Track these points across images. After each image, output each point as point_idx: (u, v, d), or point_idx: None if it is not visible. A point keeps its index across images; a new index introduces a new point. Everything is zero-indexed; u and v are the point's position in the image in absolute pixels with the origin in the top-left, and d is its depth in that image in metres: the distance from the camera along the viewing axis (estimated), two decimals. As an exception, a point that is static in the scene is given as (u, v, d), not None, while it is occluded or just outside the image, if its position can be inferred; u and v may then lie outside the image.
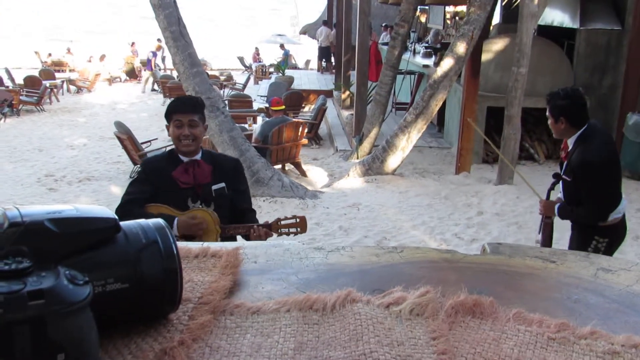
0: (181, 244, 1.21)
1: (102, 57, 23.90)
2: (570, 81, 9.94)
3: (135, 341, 0.87)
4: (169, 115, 3.13)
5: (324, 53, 22.16)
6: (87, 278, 0.76)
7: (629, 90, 8.99)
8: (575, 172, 3.52)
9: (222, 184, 3.16)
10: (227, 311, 0.97)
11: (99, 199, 8.49)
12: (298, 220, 3.12)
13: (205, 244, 1.21)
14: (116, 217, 0.87)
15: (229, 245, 1.20)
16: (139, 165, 3.17)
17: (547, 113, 3.61)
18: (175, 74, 15.55)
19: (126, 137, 9.52)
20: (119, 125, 9.70)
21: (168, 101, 15.37)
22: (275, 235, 3.11)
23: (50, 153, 12.15)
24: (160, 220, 0.94)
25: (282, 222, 3.11)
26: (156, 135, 12.29)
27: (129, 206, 2.95)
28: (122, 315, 0.89)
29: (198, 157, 3.15)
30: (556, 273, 1.12)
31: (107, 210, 0.88)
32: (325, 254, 1.20)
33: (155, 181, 3.07)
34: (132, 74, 24.54)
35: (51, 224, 0.79)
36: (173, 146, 3.21)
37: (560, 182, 3.72)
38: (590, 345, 0.87)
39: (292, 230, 3.11)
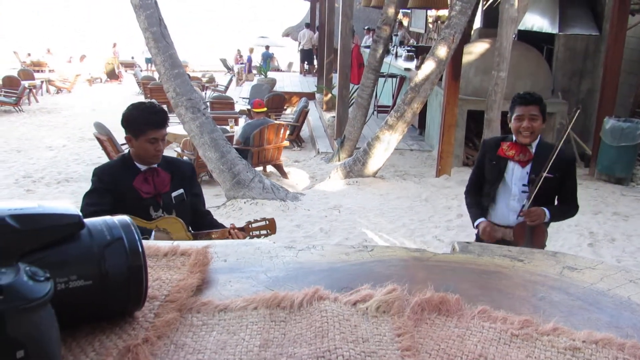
0: (151, 243, 1.21)
1: (82, 58, 23.70)
2: (549, 85, 10.05)
3: (99, 339, 0.87)
4: (139, 128, 2.92)
5: (306, 55, 22.17)
6: (49, 274, 0.76)
7: (606, 95, 9.10)
8: (564, 168, 3.48)
9: (181, 190, 3.12)
10: (194, 309, 0.97)
11: (78, 201, 8.37)
12: (267, 222, 3.18)
13: (176, 243, 1.21)
14: (80, 213, 0.86)
15: (198, 243, 1.20)
16: (93, 175, 3.03)
17: (537, 112, 3.45)
18: (157, 75, 15.44)
19: (106, 138, 9.44)
20: (99, 126, 9.62)
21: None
22: (247, 238, 3.12)
23: (29, 154, 12.01)
24: (125, 217, 0.94)
25: (253, 225, 3.15)
26: (137, 137, 12.18)
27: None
28: (86, 312, 0.88)
29: (155, 164, 3.07)
30: (523, 271, 1.14)
31: (70, 206, 0.87)
32: (296, 252, 1.20)
33: (115, 191, 2.94)
34: (113, 75, 24.36)
35: (12, 220, 0.78)
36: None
37: (526, 189, 3.55)
38: (552, 342, 0.88)
39: (263, 232, 3.14)
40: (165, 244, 1.21)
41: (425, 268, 1.16)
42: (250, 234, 3.10)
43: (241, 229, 3.10)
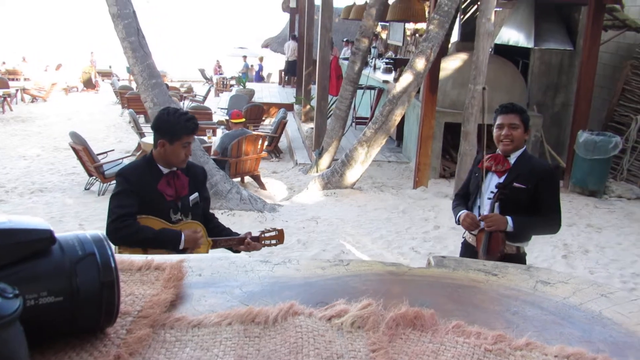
0: (123, 257, 1.20)
1: (59, 66, 23.45)
2: (524, 99, 10.19)
3: (69, 356, 0.86)
4: (176, 134, 3.01)
5: (291, 67, 22.15)
6: (18, 291, 0.74)
7: (580, 108, 9.25)
8: (539, 179, 3.45)
9: (196, 194, 3.21)
10: (167, 325, 0.96)
11: (52, 211, 8.28)
12: (277, 232, 3.29)
13: (150, 257, 1.20)
14: (51, 228, 0.85)
15: (173, 257, 1.19)
16: (119, 176, 3.07)
17: (517, 121, 3.48)
18: (134, 84, 15.33)
19: (81, 148, 9.33)
20: (74, 135, 9.50)
21: (126, 112, 15.17)
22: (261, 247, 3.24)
23: (2, 163, 11.80)
24: (98, 233, 0.93)
25: (266, 235, 3.23)
26: (113, 147, 12.08)
27: (127, 219, 2.87)
28: (56, 329, 0.87)
29: (175, 167, 3.15)
30: (497, 285, 1.14)
31: (42, 221, 0.86)
32: (272, 266, 1.20)
33: (141, 193, 3.00)
34: (90, 84, 24.13)
35: (-19, 236, 0.77)
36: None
37: (492, 196, 3.55)
38: (525, 357, 0.89)
39: (273, 242, 3.26)
40: (138, 258, 1.20)
41: (400, 282, 1.17)
42: (263, 243, 3.22)
43: (255, 239, 3.20)
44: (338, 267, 1.22)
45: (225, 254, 1.41)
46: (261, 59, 25.05)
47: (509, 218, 3.45)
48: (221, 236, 3.23)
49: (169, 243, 2.86)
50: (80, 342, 0.89)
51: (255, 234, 3.24)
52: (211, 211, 3.47)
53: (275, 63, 25.77)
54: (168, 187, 3.06)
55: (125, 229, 2.83)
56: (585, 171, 8.83)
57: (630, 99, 9.68)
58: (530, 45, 10.41)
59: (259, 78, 24.76)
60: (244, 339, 0.93)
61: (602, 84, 10.36)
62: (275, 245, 3.27)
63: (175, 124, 3.03)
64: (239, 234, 3.28)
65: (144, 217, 2.94)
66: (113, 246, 2.83)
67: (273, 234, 3.26)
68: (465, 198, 3.85)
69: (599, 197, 8.85)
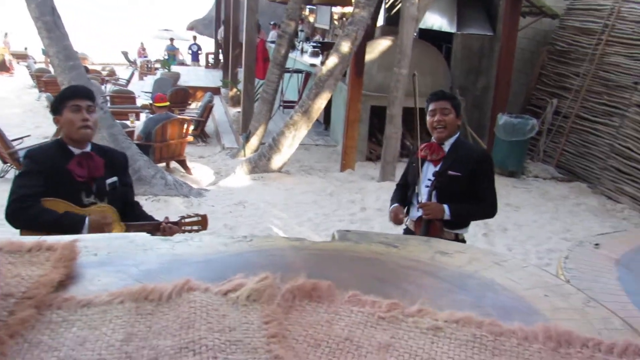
0: (14, 239, 1.14)
1: (-29, 48, 22.19)
2: (448, 82, 10.44)
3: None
4: (62, 102, 2.94)
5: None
6: None
7: (500, 92, 9.57)
8: (474, 166, 3.48)
9: (115, 178, 3.08)
10: (54, 305, 0.92)
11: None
12: (200, 218, 3.17)
13: (42, 238, 1.15)
14: None
15: (65, 238, 1.15)
16: (26, 157, 2.91)
17: (448, 106, 3.52)
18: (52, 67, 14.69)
19: (-6, 134, 8.88)
20: (-13, 120, 9.03)
21: (44, 96, 14.53)
22: (179, 233, 3.09)
23: None
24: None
25: (187, 220, 3.12)
26: (29, 132, 11.54)
27: (28, 200, 2.72)
28: None
29: (88, 149, 3.02)
30: (397, 257, 1.17)
31: None
32: (172, 244, 1.17)
33: (48, 174, 2.85)
34: (3, 67, 22.93)
35: None
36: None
37: (429, 184, 3.59)
38: (417, 322, 0.91)
39: (195, 228, 3.13)
40: (30, 239, 1.15)
41: (303, 256, 1.17)
42: (183, 229, 3.09)
43: (175, 223, 3.09)
44: (241, 243, 1.21)
45: (125, 233, 1.37)
46: (195, 38, 24.46)
47: (445, 206, 3.48)
48: None
49: (71, 227, 2.72)
50: (-46, 325, 0.84)
51: (175, 219, 3.16)
52: (137, 199, 3.35)
53: (202, 46, 25.24)
54: (79, 168, 2.92)
55: (24, 210, 2.69)
56: (504, 152, 9.15)
57: (546, 83, 10.08)
58: (453, 30, 10.65)
59: (196, 58, 24.17)
60: (135, 317, 0.91)
61: (521, 69, 10.74)
62: (197, 231, 3.13)
63: (58, 95, 3.02)
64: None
65: (50, 200, 2.80)
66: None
67: (195, 219, 3.15)
68: (404, 188, 3.87)
69: (517, 177, 9.20)
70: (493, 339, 0.89)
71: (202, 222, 3.17)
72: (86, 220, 2.77)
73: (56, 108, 2.99)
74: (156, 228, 3.05)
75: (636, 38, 8.45)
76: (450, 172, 3.50)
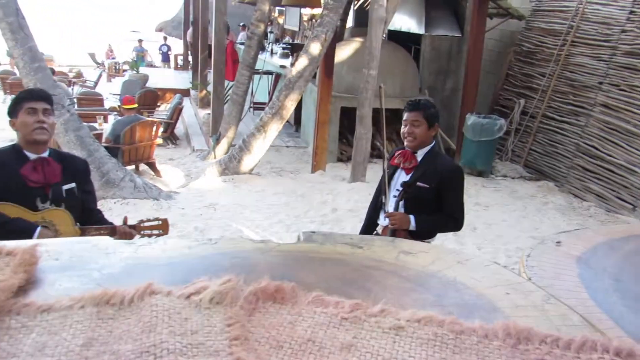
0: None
1: None
2: (417, 83, 10.53)
3: None
4: (18, 104, 2.89)
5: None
6: None
7: (468, 93, 9.67)
8: (442, 179, 3.46)
9: (73, 184, 3.01)
10: (13, 311, 0.91)
11: None
12: (160, 222, 3.11)
13: (1, 243, 1.13)
14: None
15: (26, 242, 1.13)
16: None
17: (419, 118, 3.48)
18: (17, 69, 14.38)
19: (-43, 138, 8.68)
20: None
21: (9, 98, 14.24)
22: (138, 236, 3.02)
23: None
24: None
25: (145, 224, 3.05)
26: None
27: None
28: None
29: (46, 154, 2.95)
30: (362, 257, 1.18)
31: None
32: (136, 248, 1.17)
33: (2, 178, 2.80)
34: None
35: None
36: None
37: (398, 194, 3.57)
38: (379, 322, 0.92)
39: (155, 232, 3.07)
40: (-11, 245, 1.13)
41: (267, 258, 1.17)
42: (141, 232, 3.03)
43: (132, 227, 3.02)
44: (206, 245, 1.21)
45: (87, 237, 1.36)
46: (165, 39, 24.21)
47: (412, 217, 3.49)
48: None
49: (19, 234, 2.66)
50: None
51: (134, 222, 3.10)
52: (107, 202, 3.29)
53: (171, 47, 25.00)
54: (34, 173, 2.87)
55: None
56: (473, 152, 9.25)
57: (513, 84, 10.23)
58: (421, 31, 10.74)
59: (167, 58, 23.91)
60: (96, 321, 0.90)
61: (489, 70, 10.88)
62: (158, 236, 3.06)
63: (14, 99, 2.97)
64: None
65: (1, 204, 2.75)
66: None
67: (155, 223, 3.10)
68: (376, 200, 3.88)
69: (486, 176, 9.31)
70: (454, 337, 0.90)
71: (162, 227, 3.12)
72: (37, 229, 2.71)
73: (12, 110, 2.94)
74: (113, 231, 2.99)
75: (600, 39, 8.63)
76: (419, 184, 3.49)
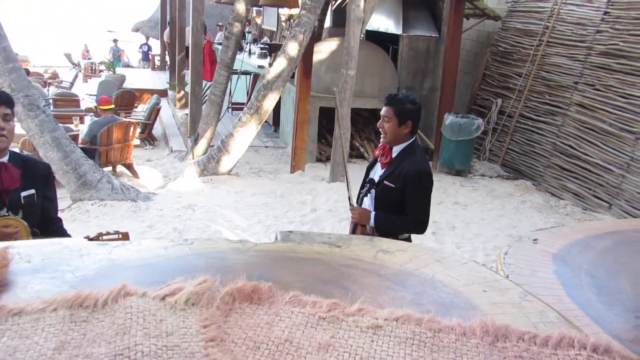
0: (-60, 246, 1.09)
1: None
2: (395, 83, 10.57)
3: None
4: None
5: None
6: None
7: (446, 92, 9.73)
8: (406, 181, 3.40)
9: (32, 191, 2.89)
10: (-18, 315, 0.89)
11: None
12: (121, 235, 3.01)
13: (-29, 246, 1.10)
14: None
15: (-4, 245, 1.10)
16: None
17: (389, 114, 3.40)
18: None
19: None
20: None
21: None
22: None
23: None
24: None
25: (105, 237, 2.98)
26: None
27: None
28: None
29: (5, 159, 2.83)
30: (340, 256, 1.17)
31: None
32: (110, 249, 1.15)
33: None
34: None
35: None
36: None
37: (371, 190, 3.56)
38: (357, 321, 0.91)
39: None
40: (-41, 248, 1.10)
41: (244, 258, 1.16)
42: None
43: (91, 240, 2.93)
44: (182, 246, 1.19)
45: (59, 239, 1.33)
46: (147, 38, 23.98)
47: (373, 213, 3.47)
48: None
49: None
50: None
51: (93, 235, 3.02)
52: (60, 215, 3.17)
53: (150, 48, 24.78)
54: None
55: None
56: (451, 152, 9.31)
57: (490, 84, 10.32)
58: (399, 32, 10.79)
59: (147, 58, 23.67)
60: (69, 324, 0.88)
61: (466, 70, 10.96)
62: None
63: None
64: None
65: None
66: None
67: (115, 237, 3.04)
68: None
69: (464, 176, 9.38)
70: (432, 336, 0.90)
71: (123, 240, 3.04)
72: None
73: None
74: None
75: (576, 39, 8.73)
76: (385, 182, 3.45)
